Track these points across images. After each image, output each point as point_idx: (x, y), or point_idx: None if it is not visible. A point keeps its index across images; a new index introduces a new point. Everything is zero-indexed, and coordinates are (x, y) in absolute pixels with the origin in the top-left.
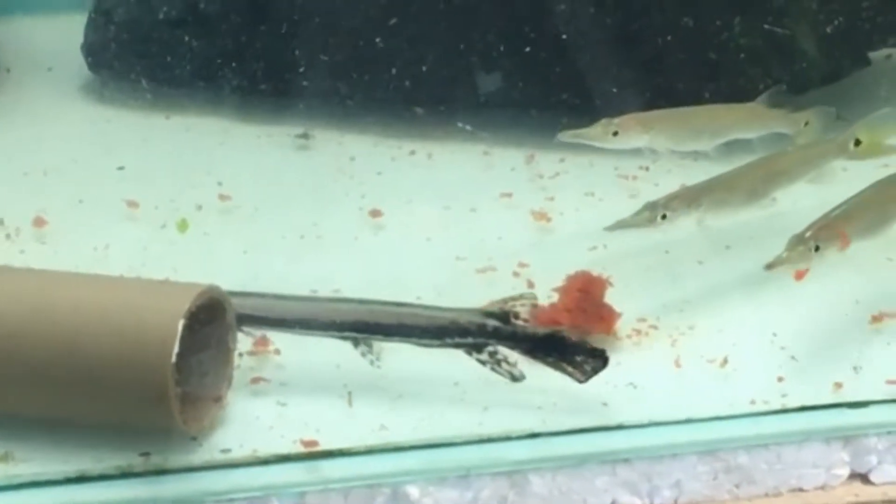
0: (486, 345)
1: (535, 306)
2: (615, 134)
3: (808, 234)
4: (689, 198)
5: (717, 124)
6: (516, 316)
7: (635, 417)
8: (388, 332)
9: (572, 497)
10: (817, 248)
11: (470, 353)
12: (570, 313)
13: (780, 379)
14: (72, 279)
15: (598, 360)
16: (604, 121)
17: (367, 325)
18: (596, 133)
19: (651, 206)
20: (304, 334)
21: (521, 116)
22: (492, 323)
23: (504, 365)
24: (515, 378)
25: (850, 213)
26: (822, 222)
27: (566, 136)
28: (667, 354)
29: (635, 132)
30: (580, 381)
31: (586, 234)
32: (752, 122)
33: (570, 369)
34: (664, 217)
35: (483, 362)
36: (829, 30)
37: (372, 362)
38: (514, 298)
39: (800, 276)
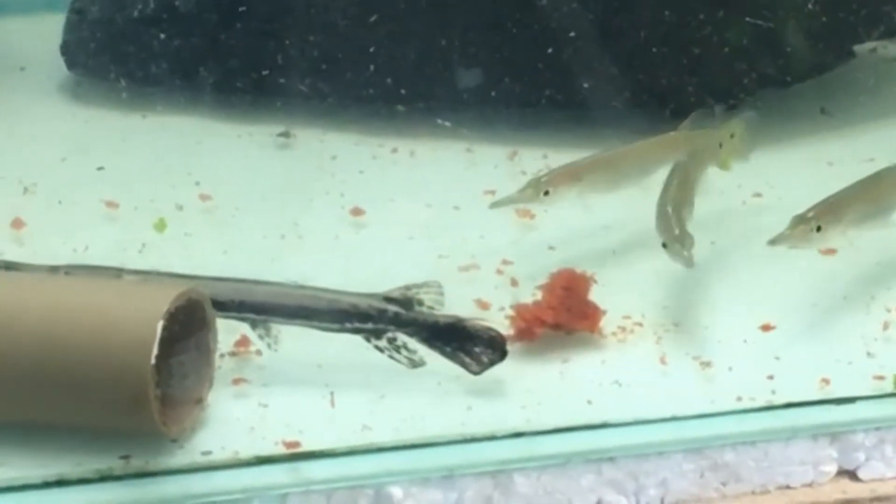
0: (386, 331)
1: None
2: (546, 194)
3: (810, 215)
4: (571, 174)
5: (644, 161)
6: (420, 303)
7: (620, 415)
8: (287, 314)
9: (557, 497)
10: (819, 229)
11: (368, 340)
12: (553, 311)
13: (766, 376)
14: (49, 281)
15: (498, 351)
16: (532, 181)
17: (267, 307)
18: (528, 195)
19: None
20: None
21: (504, 113)
22: (393, 308)
23: (403, 352)
24: (415, 364)
25: (854, 197)
26: (825, 204)
27: (498, 204)
28: (652, 352)
29: (565, 187)
30: (475, 373)
31: (570, 231)
32: (677, 149)
33: (466, 360)
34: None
35: (381, 349)
36: (813, 23)
37: (269, 345)
38: (417, 285)
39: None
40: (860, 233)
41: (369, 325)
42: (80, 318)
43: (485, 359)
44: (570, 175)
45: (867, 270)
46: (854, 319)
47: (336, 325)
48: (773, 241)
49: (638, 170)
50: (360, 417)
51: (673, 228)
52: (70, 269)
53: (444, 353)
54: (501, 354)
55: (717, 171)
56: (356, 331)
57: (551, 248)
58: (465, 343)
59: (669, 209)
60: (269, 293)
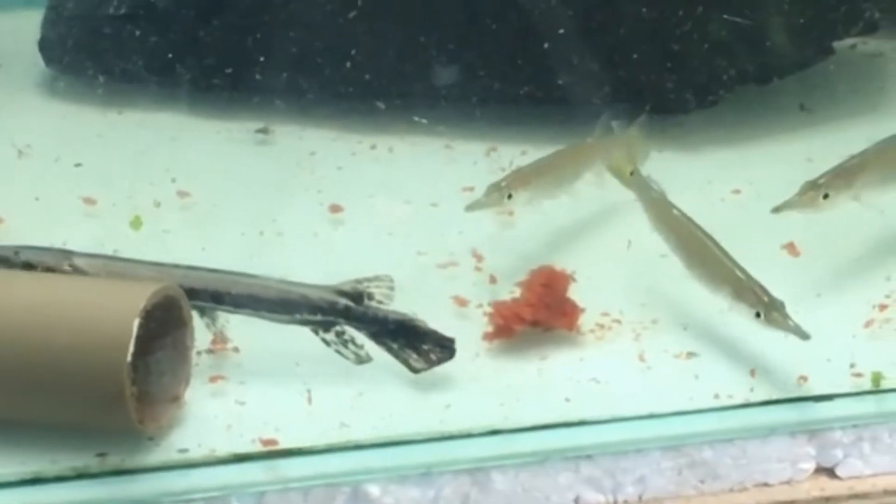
0: (335, 324)
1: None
2: (510, 197)
3: (821, 181)
4: (524, 179)
5: (575, 166)
6: (370, 297)
7: (598, 413)
8: (237, 303)
9: (535, 494)
10: (826, 196)
11: (316, 332)
12: (532, 308)
13: (743, 373)
14: (25, 278)
15: (446, 350)
16: (492, 186)
17: (216, 295)
18: (493, 199)
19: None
20: None
21: (483, 109)
22: (343, 302)
23: (351, 346)
24: (362, 360)
25: (865, 164)
26: (836, 170)
27: (471, 208)
28: (630, 349)
29: (523, 190)
30: (415, 371)
31: (549, 228)
32: (592, 159)
33: (413, 357)
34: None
35: (328, 343)
36: (793, 20)
37: (215, 335)
38: (368, 279)
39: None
40: (874, 198)
41: (318, 318)
42: (56, 315)
43: (433, 357)
44: (523, 180)
45: (844, 269)
46: (832, 317)
47: (285, 317)
48: (778, 208)
49: (571, 175)
50: (337, 415)
51: (759, 295)
52: (19, 250)
53: (390, 350)
54: (450, 353)
55: (697, 167)
56: (305, 322)
57: (530, 245)
58: (413, 341)
59: (735, 270)
60: (218, 281)
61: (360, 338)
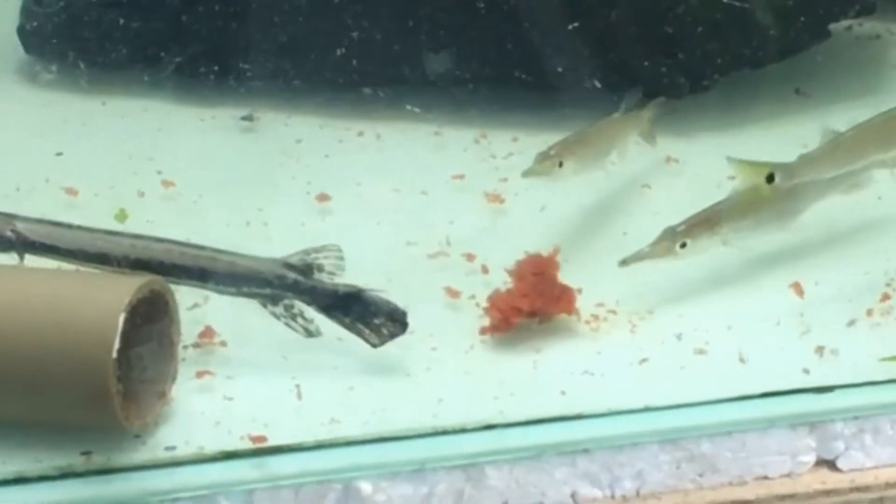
0: (283, 297)
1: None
2: (561, 165)
3: (679, 229)
4: (571, 149)
5: (610, 139)
6: (320, 268)
7: (595, 406)
8: (184, 274)
9: (530, 490)
10: (683, 245)
11: (265, 306)
12: (527, 298)
13: (742, 363)
14: (6, 272)
15: (398, 324)
16: (542, 154)
17: (162, 266)
18: (545, 167)
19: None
20: (95, 267)
21: (473, 95)
22: (292, 275)
23: (300, 320)
24: (311, 334)
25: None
26: (693, 219)
27: (526, 174)
28: (626, 340)
29: (572, 159)
30: (374, 346)
31: (540, 215)
32: (626, 131)
33: (366, 332)
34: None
35: (277, 316)
36: (787, 2)
37: None
38: (316, 249)
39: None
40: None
41: (267, 291)
42: (38, 311)
43: (385, 331)
44: (570, 149)
45: (842, 255)
46: (832, 307)
47: (232, 289)
48: (624, 261)
49: (609, 146)
50: (327, 410)
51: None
52: None
53: (342, 324)
54: (402, 327)
55: (691, 153)
56: (253, 295)
57: (522, 234)
58: (364, 314)
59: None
60: (166, 251)
61: (310, 311)
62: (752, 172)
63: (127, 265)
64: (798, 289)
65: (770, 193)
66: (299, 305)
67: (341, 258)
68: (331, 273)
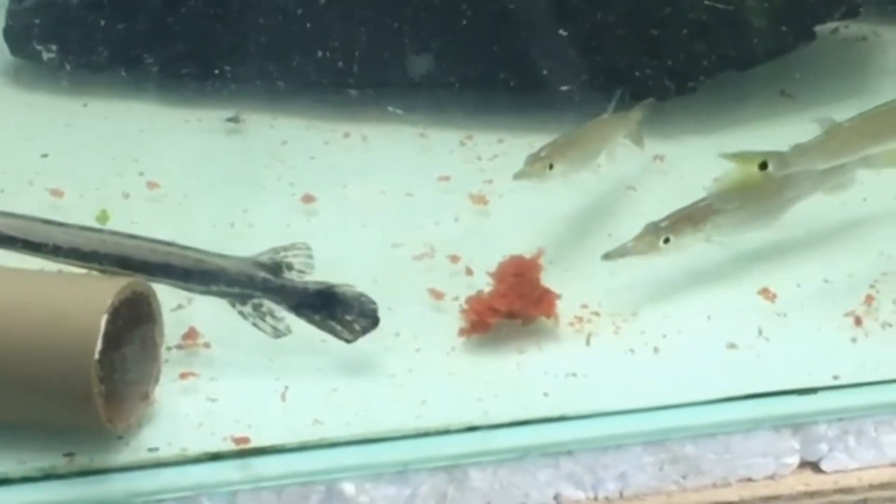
0: (252, 297)
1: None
2: (551, 167)
3: (662, 225)
4: (561, 151)
5: (598, 143)
6: (289, 267)
7: (578, 408)
8: (151, 270)
9: (514, 491)
10: (667, 241)
11: (233, 305)
12: (506, 299)
13: (725, 366)
14: None
15: (369, 319)
16: (532, 156)
17: (130, 261)
18: (536, 169)
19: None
20: (64, 263)
21: (458, 97)
22: (261, 274)
23: (269, 319)
24: (280, 334)
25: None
26: (677, 215)
27: (518, 177)
28: (610, 342)
29: (562, 161)
30: (347, 341)
31: (525, 217)
32: (616, 132)
33: (338, 328)
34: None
35: (245, 316)
36: (773, 4)
37: None
38: (285, 248)
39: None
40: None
41: (236, 290)
42: (22, 311)
43: (357, 327)
44: (560, 151)
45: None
46: (815, 308)
47: (201, 287)
48: (608, 255)
49: (598, 147)
50: (311, 411)
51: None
52: None
53: (313, 322)
54: (373, 322)
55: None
56: (222, 294)
57: (506, 236)
58: (335, 311)
59: None
60: (135, 248)
61: (279, 311)
62: (745, 160)
63: (95, 260)
64: (767, 294)
65: (762, 180)
66: (269, 305)
67: (310, 256)
68: (300, 271)
